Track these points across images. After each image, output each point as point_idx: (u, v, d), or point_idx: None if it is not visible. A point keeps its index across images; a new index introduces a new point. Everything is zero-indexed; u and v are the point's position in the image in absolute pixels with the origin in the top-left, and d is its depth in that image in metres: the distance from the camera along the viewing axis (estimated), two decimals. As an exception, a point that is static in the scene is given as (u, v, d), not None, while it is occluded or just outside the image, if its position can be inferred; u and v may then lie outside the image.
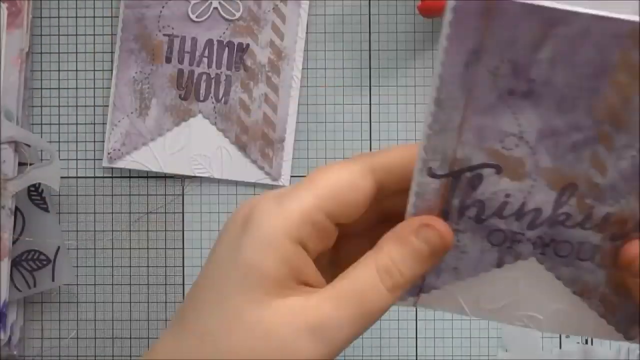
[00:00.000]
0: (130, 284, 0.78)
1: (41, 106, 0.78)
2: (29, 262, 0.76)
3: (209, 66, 0.77)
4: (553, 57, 0.51)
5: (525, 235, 0.57)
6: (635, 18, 0.50)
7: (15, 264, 0.76)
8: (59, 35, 0.78)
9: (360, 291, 0.45)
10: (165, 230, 0.78)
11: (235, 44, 0.77)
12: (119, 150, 0.77)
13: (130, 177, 0.78)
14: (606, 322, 0.59)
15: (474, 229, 0.57)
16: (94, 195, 0.78)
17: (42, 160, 0.76)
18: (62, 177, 0.78)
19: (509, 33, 0.51)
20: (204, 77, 0.77)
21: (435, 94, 0.52)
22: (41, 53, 0.78)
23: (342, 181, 0.46)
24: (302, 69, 0.78)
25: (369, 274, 0.45)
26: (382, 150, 0.48)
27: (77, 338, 0.78)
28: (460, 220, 0.56)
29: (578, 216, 0.57)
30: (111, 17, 0.78)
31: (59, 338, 0.78)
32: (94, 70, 0.78)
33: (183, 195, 0.78)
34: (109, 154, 0.77)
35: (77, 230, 0.78)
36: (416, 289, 0.56)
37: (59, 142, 0.78)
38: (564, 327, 0.59)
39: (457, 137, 0.54)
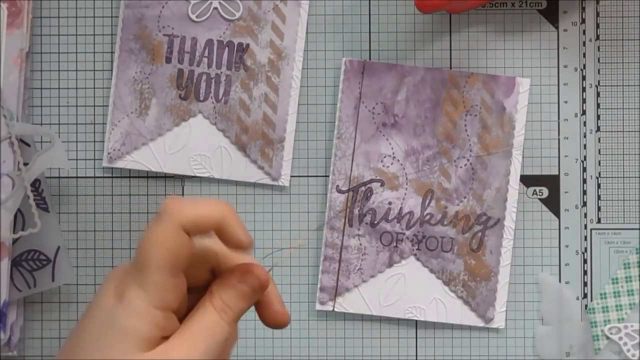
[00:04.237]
0: (130, 284, 0.78)
1: (41, 106, 0.78)
2: (29, 262, 0.76)
3: (209, 66, 0.77)
4: (407, 97, 0.76)
5: (405, 234, 0.76)
6: (447, 70, 0.76)
7: (15, 264, 0.76)
8: (59, 35, 0.78)
9: (207, 328, 0.57)
10: (165, 230, 0.78)
11: (235, 44, 0.77)
12: (119, 150, 0.77)
13: (130, 177, 0.78)
14: (469, 309, 0.76)
15: (370, 232, 0.76)
16: (94, 195, 0.78)
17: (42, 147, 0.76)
18: (62, 177, 0.78)
19: (378, 83, 0.76)
20: (204, 77, 0.77)
21: (337, 130, 0.76)
22: (41, 53, 0.78)
23: (170, 245, 0.56)
24: (302, 69, 0.78)
25: (210, 314, 0.57)
26: (192, 203, 0.57)
27: (77, 338, 0.78)
28: (360, 226, 0.76)
29: (438, 215, 0.76)
30: (111, 17, 0.78)
31: (59, 338, 0.78)
32: (94, 70, 0.78)
33: (183, 195, 0.78)
34: (109, 154, 0.77)
35: (77, 230, 0.78)
36: (333, 293, 0.76)
37: (59, 142, 0.78)
38: (440, 315, 0.76)
39: (353, 160, 0.76)
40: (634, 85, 0.78)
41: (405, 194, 0.76)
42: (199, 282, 0.59)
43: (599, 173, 0.78)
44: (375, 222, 0.76)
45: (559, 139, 0.78)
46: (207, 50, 0.77)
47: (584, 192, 0.78)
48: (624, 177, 0.78)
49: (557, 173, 0.78)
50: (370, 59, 0.77)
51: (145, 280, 0.56)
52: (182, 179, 0.78)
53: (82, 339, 0.57)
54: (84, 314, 0.58)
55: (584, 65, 0.78)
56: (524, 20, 0.78)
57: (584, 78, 0.78)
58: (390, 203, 0.76)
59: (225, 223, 0.57)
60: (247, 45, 0.77)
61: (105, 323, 0.56)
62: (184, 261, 0.56)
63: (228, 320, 0.57)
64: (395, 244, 0.76)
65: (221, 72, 0.77)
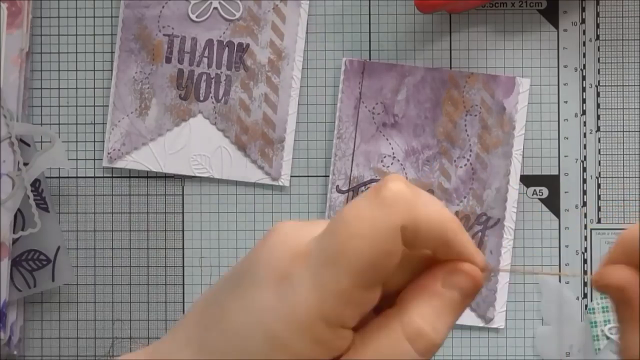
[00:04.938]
0: (130, 284, 0.78)
1: (41, 106, 0.78)
2: (29, 262, 0.76)
3: (209, 66, 0.77)
4: (407, 97, 0.76)
5: None
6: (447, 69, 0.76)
7: (15, 264, 0.76)
8: (59, 35, 0.78)
9: None
10: (165, 230, 0.78)
11: (235, 44, 0.77)
12: (119, 150, 0.77)
13: (130, 177, 0.78)
14: (469, 309, 0.75)
15: None
16: (94, 195, 0.78)
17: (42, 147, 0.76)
18: (62, 177, 0.78)
19: (379, 83, 0.76)
20: (204, 77, 0.77)
21: (337, 130, 0.76)
22: (41, 53, 0.78)
23: (377, 252, 0.40)
24: (302, 69, 0.78)
25: (398, 344, 0.41)
26: (416, 199, 0.41)
27: (77, 338, 0.78)
28: None
29: None
30: (111, 17, 0.78)
31: (59, 338, 0.78)
32: (94, 70, 0.78)
33: (183, 195, 0.78)
34: (109, 154, 0.77)
35: (77, 230, 0.78)
36: None
37: (59, 142, 0.78)
38: None
39: (353, 160, 0.76)
40: (634, 85, 0.78)
41: None
42: (392, 286, 0.43)
43: (599, 173, 0.78)
44: None
45: (558, 139, 0.78)
46: (207, 50, 0.77)
47: (584, 192, 0.78)
48: (624, 177, 0.78)
49: (557, 173, 0.78)
50: (370, 59, 0.78)
51: (328, 282, 0.40)
52: (182, 179, 0.78)
53: (221, 339, 0.42)
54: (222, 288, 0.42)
55: (584, 65, 0.78)
56: (524, 20, 0.78)
57: (584, 78, 0.78)
58: None
59: (454, 236, 0.41)
60: (247, 45, 0.77)
61: (254, 324, 0.41)
62: (388, 273, 0.40)
63: (423, 349, 0.41)
64: None
65: (221, 72, 0.77)
